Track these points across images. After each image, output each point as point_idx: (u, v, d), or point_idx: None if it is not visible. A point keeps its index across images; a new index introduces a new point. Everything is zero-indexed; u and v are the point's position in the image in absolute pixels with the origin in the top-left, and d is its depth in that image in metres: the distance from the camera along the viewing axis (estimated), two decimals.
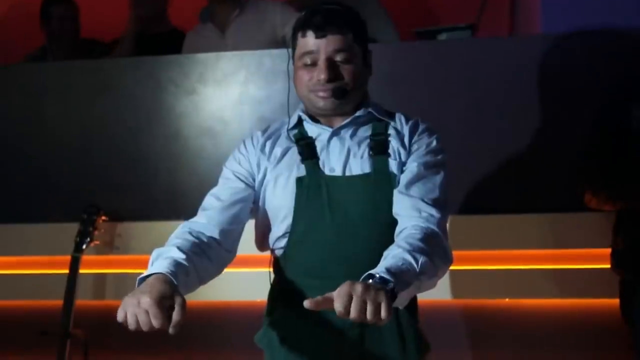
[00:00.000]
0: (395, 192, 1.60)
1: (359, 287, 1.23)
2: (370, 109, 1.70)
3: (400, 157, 1.65)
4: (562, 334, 2.44)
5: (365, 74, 1.71)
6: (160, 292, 1.31)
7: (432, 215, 1.55)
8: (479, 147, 2.51)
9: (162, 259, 1.44)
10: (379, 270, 1.34)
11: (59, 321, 2.43)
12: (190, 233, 1.58)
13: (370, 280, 1.31)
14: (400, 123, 1.71)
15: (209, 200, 1.69)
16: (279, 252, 1.70)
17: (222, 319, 2.59)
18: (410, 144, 1.67)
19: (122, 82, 2.78)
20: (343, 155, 1.65)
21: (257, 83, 2.68)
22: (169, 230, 1.59)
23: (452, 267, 2.36)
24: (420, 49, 2.68)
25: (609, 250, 2.22)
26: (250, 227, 1.73)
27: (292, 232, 1.64)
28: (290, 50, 1.72)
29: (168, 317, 1.28)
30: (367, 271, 1.35)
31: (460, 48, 2.61)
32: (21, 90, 2.84)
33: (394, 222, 1.58)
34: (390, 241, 1.51)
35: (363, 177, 1.63)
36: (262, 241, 1.76)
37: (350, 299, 1.22)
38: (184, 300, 1.31)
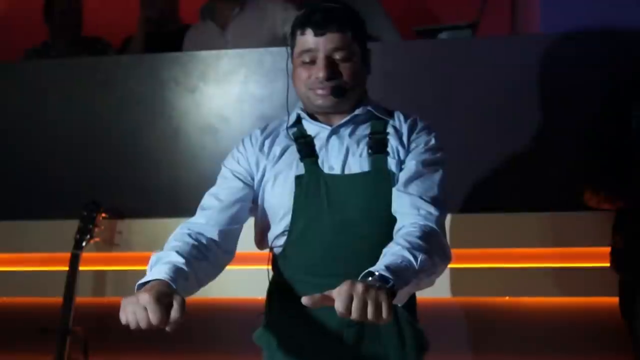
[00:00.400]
0: (393, 190, 1.60)
1: (359, 287, 1.23)
2: (369, 108, 1.70)
3: (399, 156, 1.65)
4: (562, 332, 2.44)
5: (364, 73, 1.71)
6: (160, 290, 1.32)
7: (430, 213, 1.55)
8: (479, 146, 2.51)
9: (161, 264, 1.44)
10: (378, 267, 1.34)
11: (59, 318, 2.44)
12: (189, 235, 1.57)
13: (370, 278, 1.31)
14: (399, 121, 1.71)
15: (208, 200, 1.68)
16: (277, 250, 1.70)
17: (221, 316, 2.59)
18: (409, 142, 1.67)
19: (124, 79, 2.78)
20: (342, 154, 1.65)
21: (258, 81, 2.68)
22: (169, 228, 1.60)
23: (452, 266, 2.39)
24: (420, 47, 2.69)
25: (608, 249, 2.23)
26: (249, 224, 1.73)
27: (291, 230, 1.64)
28: (289, 48, 1.72)
29: (167, 315, 1.28)
30: (366, 269, 1.35)
31: (460, 47, 2.61)
32: (22, 87, 2.84)
33: (393, 220, 1.58)
34: (389, 239, 1.51)
35: (362, 175, 1.63)
36: (261, 239, 1.75)
37: (351, 298, 1.22)
38: (183, 300, 1.30)
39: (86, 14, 3.49)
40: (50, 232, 2.67)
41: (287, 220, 1.64)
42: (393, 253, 1.41)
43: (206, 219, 1.63)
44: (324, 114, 1.71)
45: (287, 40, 1.75)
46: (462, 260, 2.42)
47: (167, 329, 1.28)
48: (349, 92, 1.66)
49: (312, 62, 1.64)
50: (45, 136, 2.79)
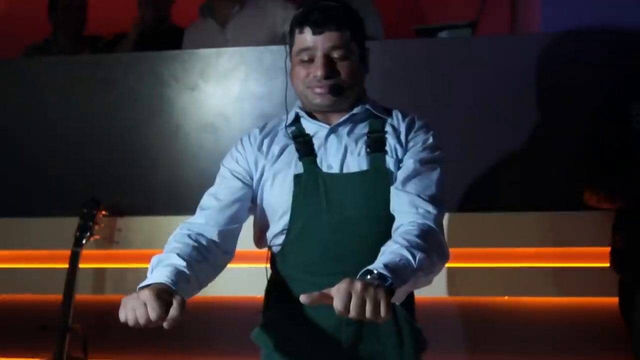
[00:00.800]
0: (392, 188, 1.60)
1: (358, 285, 1.23)
2: (367, 106, 1.70)
3: (397, 154, 1.65)
4: (561, 332, 2.44)
5: (362, 71, 1.70)
6: (161, 289, 1.33)
7: (428, 212, 1.55)
8: (479, 145, 2.51)
9: (162, 266, 1.44)
10: (377, 266, 1.34)
11: (59, 315, 2.44)
12: (189, 236, 1.58)
13: (369, 276, 1.31)
14: (397, 120, 1.71)
15: (207, 200, 1.69)
16: (276, 249, 1.70)
17: (219, 315, 2.59)
18: (407, 141, 1.67)
19: (123, 77, 2.78)
20: (340, 153, 1.65)
21: (258, 79, 2.68)
22: (168, 225, 1.60)
23: (452, 265, 2.39)
24: (420, 46, 2.68)
25: (608, 249, 2.23)
26: (248, 223, 1.73)
27: (290, 229, 1.64)
28: (287, 46, 1.72)
29: (166, 312, 1.28)
30: (364, 268, 1.35)
31: (460, 46, 2.61)
32: (22, 85, 2.84)
33: (391, 219, 1.58)
34: (388, 238, 1.51)
35: (360, 174, 1.63)
36: (260, 238, 1.75)
37: (349, 296, 1.22)
38: (183, 300, 1.30)
39: (89, 12, 3.50)
40: (50, 229, 2.67)
41: (286, 219, 1.64)
42: (391, 251, 1.41)
43: (205, 219, 1.64)
44: (322, 113, 1.71)
45: (286, 39, 1.74)
46: (462, 259, 2.42)
47: (165, 325, 1.28)
48: (347, 91, 1.66)
49: (311, 60, 1.64)
50: (45, 134, 2.79)
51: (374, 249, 1.46)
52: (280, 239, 1.67)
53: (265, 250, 1.76)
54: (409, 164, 1.63)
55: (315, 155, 1.66)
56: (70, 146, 2.78)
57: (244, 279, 2.32)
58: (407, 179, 1.60)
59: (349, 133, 1.68)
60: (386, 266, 1.33)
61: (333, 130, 1.68)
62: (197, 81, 2.72)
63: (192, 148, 2.71)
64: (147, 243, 2.59)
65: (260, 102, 2.67)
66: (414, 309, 1.73)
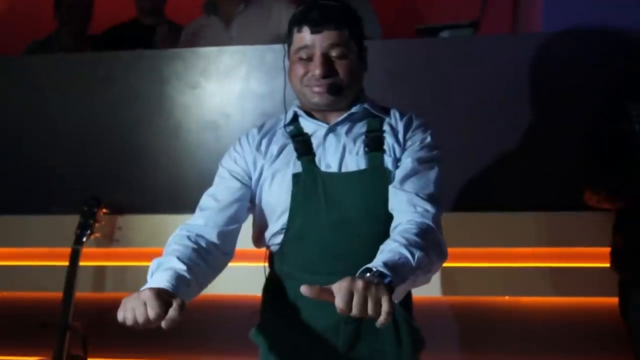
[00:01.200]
0: (390, 187, 1.60)
1: (359, 283, 1.23)
2: (365, 105, 1.70)
3: (395, 154, 1.65)
4: (562, 332, 2.44)
5: (360, 70, 1.70)
6: (161, 290, 1.33)
7: (427, 211, 1.56)
8: (480, 145, 2.51)
9: (162, 270, 1.44)
10: (376, 264, 1.34)
11: (59, 313, 2.43)
12: (189, 238, 1.58)
13: (368, 274, 1.31)
14: (395, 119, 1.71)
15: (206, 201, 1.68)
16: (274, 248, 1.70)
17: (217, 313, 2.59)
18: (405, 140, 1.68)
19: (125, 75, 2.78)
20: (339, 152, 1.65)
21: (260, 78, 2.68)
22: (169, 223, 1.60)
23: (454, 264, 2.39)
24: (422, 46, 2.68)
25: (608, 249, 2.23)
26: (246, 222, 1.73)
27: (289, 228, 1.64)
28: (285, 45, 1.72)
29: (165, 312, 1.28)
30: (363, 266, 1.35)
31: (461, 46, 2.61)
32: (23, 82, 2.84)
33: (390, 218, 1.58)
34: (386, 237, 1.51)
35: (359, 173, 1.63)
36: (258, 238, 1.75)
37: (351, 295, 1.22)
38: (183, 302, 1.30)
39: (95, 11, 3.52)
40: (51, 227, 2.67)
41: (285, 218, 1.64)
42: (390, 250, 1.41)
43: (205, 220, 1.63)
44: (320, 111, 1.71)
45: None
46: (465, 259, 2.43)
47: (163, 325, 1.27)
48: (346, 90, 1.66)
49: (309, 59, 1.64)
50: (45, 131, 2.79)
51: (372, 248, 1.46)
52: (279, 238, 1.67)
53: (263, 249, 1.76)
54: (407, 163, 1.63)
55: (313, 155, 1.66)
56: (71, 144, 2.78)
57: (242, 278, 2.32)
58: (405, 178, 1.60)
59: (348, 132, 1.68)
60: (385, 264, 1.34)
61: (332, 130, 1.68)
62: (198, 79, 2.72)
63: (193, 146, 2.71)
64: (147, 241, 2.59)
65: (261, 100, 2.67)
66: (412, 308, 1.74)
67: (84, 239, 2.52)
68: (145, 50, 2.86)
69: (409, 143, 1.67)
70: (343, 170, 1.64)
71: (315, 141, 1.68)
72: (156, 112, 2.74)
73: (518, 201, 2.46)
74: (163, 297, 1.30)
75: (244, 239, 1.73)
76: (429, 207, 1.56)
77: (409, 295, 1.70)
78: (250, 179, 1.70)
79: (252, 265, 1.81)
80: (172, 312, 1.28)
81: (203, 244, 1.58)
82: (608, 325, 2.34)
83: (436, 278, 2.38)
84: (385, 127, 1.69)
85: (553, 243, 2.43)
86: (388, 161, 1.64)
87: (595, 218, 2.32)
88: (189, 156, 2.71)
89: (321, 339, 1.65)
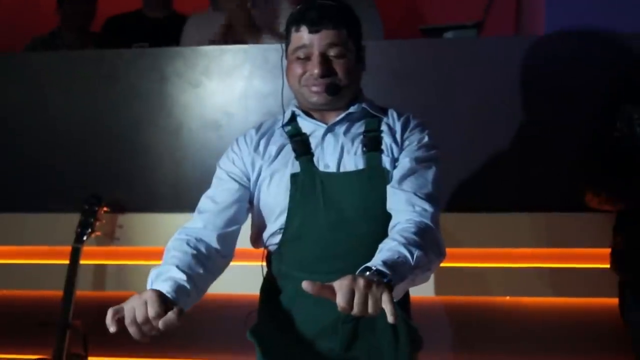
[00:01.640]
0: (388, 187, 1.61)
1: (361, 282, 1.23)
2: (363, 105, 1.71)
3: (392, 153, 1.66)
4: (562, 332, 2.45)
5: (358, 70, 1.71)
6: (163, 294, 1.33)
7: (425, 210, 1.56)
8: (483, 145, 2.51)
9: (161, 281, 1.43)
10: (376, 262, 1.34)
11: (59, 312, 2.43)
12: (188, 243, 1.57)
13: (367, 273, 1.31)
14: (393, 119, 1.72)
15: (205, 203, 1.68)
16: (273, 248, 1.71)
17: (215, 312, 2.58)
18: (403, 140, 1.68)
19: (126, 73, 2.77)
20: (337, 152, 1.65)
21: (263, 77, 2.67)
22: (170, 222, 1.59)
23: (453, 264, 2.39)
24: (426, 46, 2.68)
25: (608, 250, 2.23)
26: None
27: (287, 228, 1.64)
28: (283, 45, 1.72)
29: (164, 312, 1.27)
30: (362, 266, 1.35)
31: (465, 46, 2.61)
32: (23, 80, 2.82)
33: (388, 218, 1.59)
34: (384, 236, 1.51)
35: (357, 173, 1.63)
36: (257, 238, 1.75)
37: (352, 293, 1.22)
38: (182, 310, 1.30)
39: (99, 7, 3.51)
40: (51, 225, 2.66)
41: (283, 218, 1.64)
42: (389, 249, 1.41)
43: (204, 223, 1.63)
44: (318, 111, 1.71)
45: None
46: (463, 259, 2.42)
47: (160, 325, 1.26)
48: (344, 90, 1.66)
49: (307, 58, 1.64)
50: (47, 129, 2.78)
51: (370, 247, 1.47)
52: (277, 238, 1.67)
53: (261, 249, 1.76)
54: (404, 162, 1.64)
55: (312, 155, 1.66)
56: (72, 142, 2.76)
57: (239, 277, 2.31)
58: (404, 178, 1.61)
59: (346, 132, 1.69)
60: (384, 263, 1.34)
61: (330, 130, 1.68)
62: (200, 78, 2.71)
63: (195, 145, 2.71)
64: (148, 240, 2.59)
65: (264, 99, 2.67)
66: (410, 308, 1.74)
67: (85, 238, 2.52)
68: (146, 49, 2.85)
69: (406, 143, 1.68)
70: (341, 170, 1.64)
71: (313, 141, 1.68)
72: (157, 111, 2.73)
73: (519, 202, 2.47)
74: (164, 298, 1.30)
75: (242, 238, 1.73)
76: (427, 206, 1.57)
77: (406, 295, 1.71)
78: (249, 179, 1.70)
79: (250, 264, 1.81)
80: (171, 314, 1.27)
81: (203, 249, 1.57)
82: (608, 325, 2.35)
83: (438, 278, 2.38)
84: (383, 127, 1.70)
85: (553, 244, 2.44)
86: (386, 161, 1.64)
87: (596, 219, 2.33)
88: (191, 155, 2.71)
89: (319, 338, 1.65)
